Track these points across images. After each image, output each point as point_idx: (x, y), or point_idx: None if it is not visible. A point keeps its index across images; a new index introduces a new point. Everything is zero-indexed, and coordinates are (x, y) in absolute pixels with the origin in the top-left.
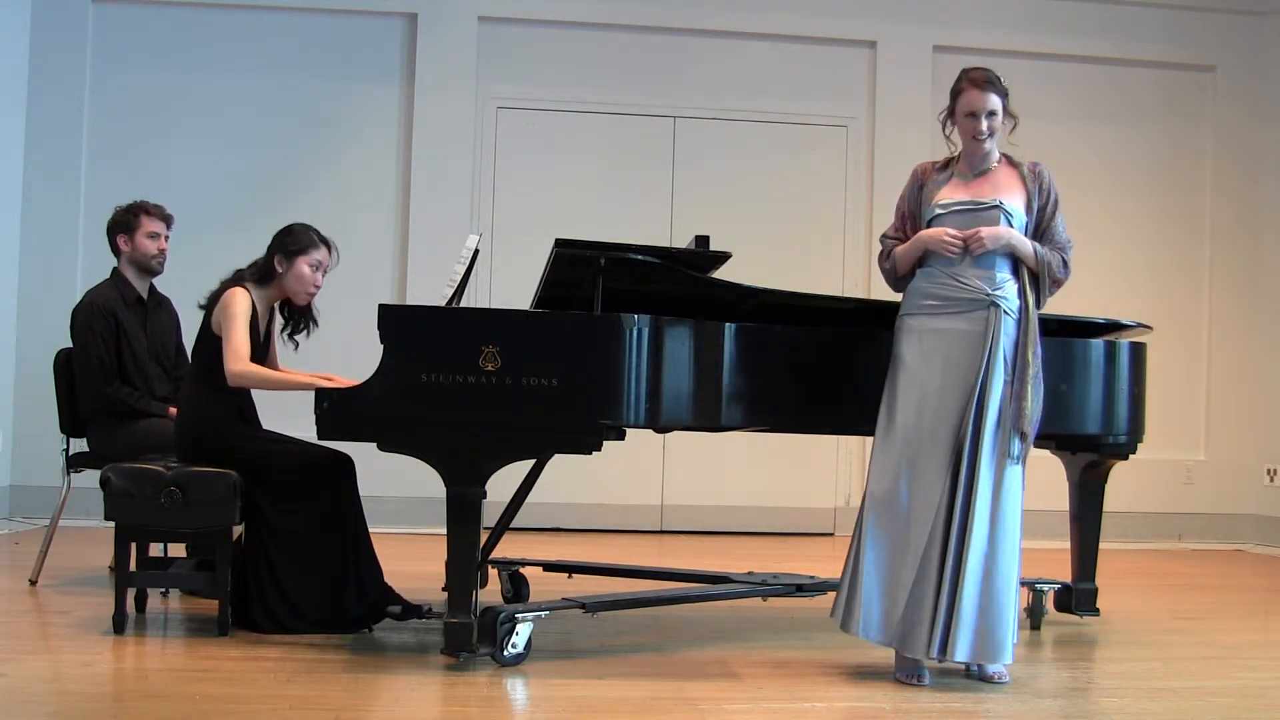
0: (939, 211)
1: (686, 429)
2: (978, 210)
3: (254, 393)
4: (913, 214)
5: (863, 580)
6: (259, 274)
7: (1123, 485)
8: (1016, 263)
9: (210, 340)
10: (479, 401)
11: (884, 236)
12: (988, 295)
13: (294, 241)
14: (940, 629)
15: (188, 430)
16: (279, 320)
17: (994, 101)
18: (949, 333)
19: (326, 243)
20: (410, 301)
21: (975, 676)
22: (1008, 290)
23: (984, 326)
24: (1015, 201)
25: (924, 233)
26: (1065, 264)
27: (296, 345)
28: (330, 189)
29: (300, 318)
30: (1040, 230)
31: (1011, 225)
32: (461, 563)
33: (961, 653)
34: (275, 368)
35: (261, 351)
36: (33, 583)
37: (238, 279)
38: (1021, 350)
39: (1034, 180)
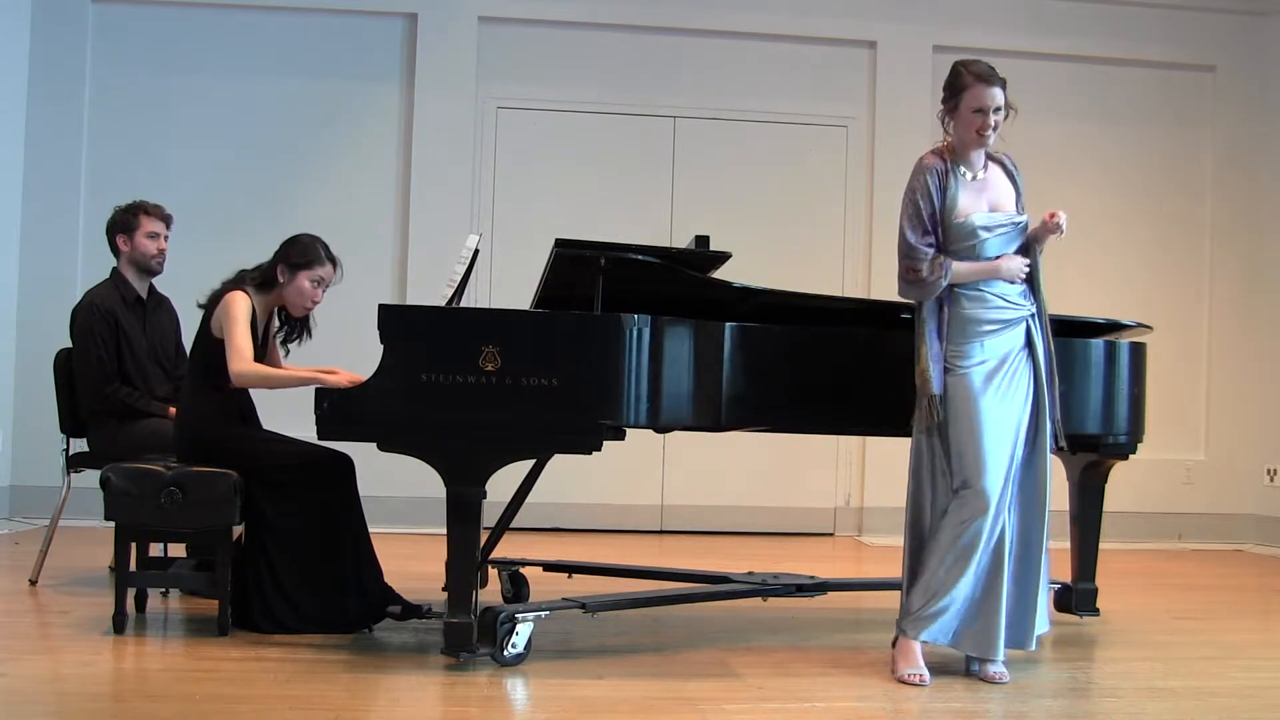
0: (983, 235)
1: (686, 429)
2: (1015, 228)
3: (253, 392)
4: (941, 215)
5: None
6: (261, 279)
7: (1123, 485)
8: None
9: (209, 341)
10: (479, 401)
11: (921, 247)
12: (1030, 308)
13: (299, 254)
14: (1031, 623)
15: (187, 430)
16: (276, 324)
17: (1000, 96)
18: (1007, 352)
19: (333, 259)
20: (410, 301)
21: (976, 676)
22: (1030, 299)
23: (1026, 338)
24: (1014, 207)
25: (1003, 265)
26: None
27: (287, 351)
28: (330, 189)
29: (296, 326)
30: None
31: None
32: (461, 563)
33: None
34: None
35: (259, 354)
36: (33, 583)
37: (239, 281)
38: (1047, 347)
39: (1019, 176)
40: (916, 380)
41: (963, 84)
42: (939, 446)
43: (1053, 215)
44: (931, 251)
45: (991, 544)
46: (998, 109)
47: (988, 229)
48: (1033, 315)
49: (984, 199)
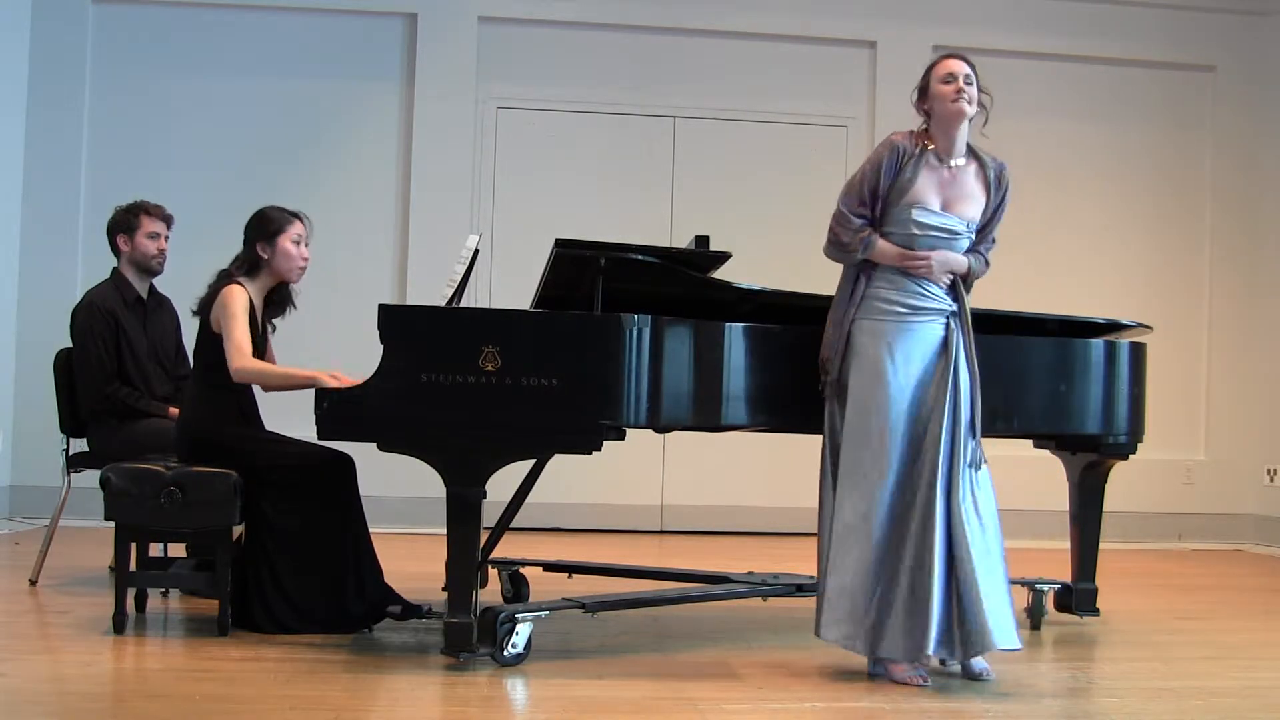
0: (915, 231)
1: (686, 429)
2: (951, 238)
3: (255, 393)
4: (884, 194)
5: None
6: (246, 265)
7: (1123, 485)
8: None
9: (210, 340)
10: (479, 401)
11: (849, 214)
12: (950, 305)
13: (269, 223)
14: (961, 631)
15: (188, 430)
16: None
17: (967, 68)
18: (919, 342)
19: (298, 215)
20: (410, 301)
21: (965, 675)
22: (953, 300)
23: (945, 334)
24: (976, 212)
25: (911, 262)
26: (987, 263)
27: (274, 328)
28: (330, 189)
29: (279, 302)
30: (983, 228)
31: (989, 225)
32: (461, 563)
33: (980, 647)
34: (272, 361)
35: (260, 346)
36: (33, 583)
37: (226, 277)
38: (970, 355)
39: (997, 189)
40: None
41: (930, 66)
42: (841, 428)
43: (916, 264)
44: (860, 222)
45: (900, 535)
46: (968, 77)
47: (920, 226)
48: (953, 314)
49: (941, 195)
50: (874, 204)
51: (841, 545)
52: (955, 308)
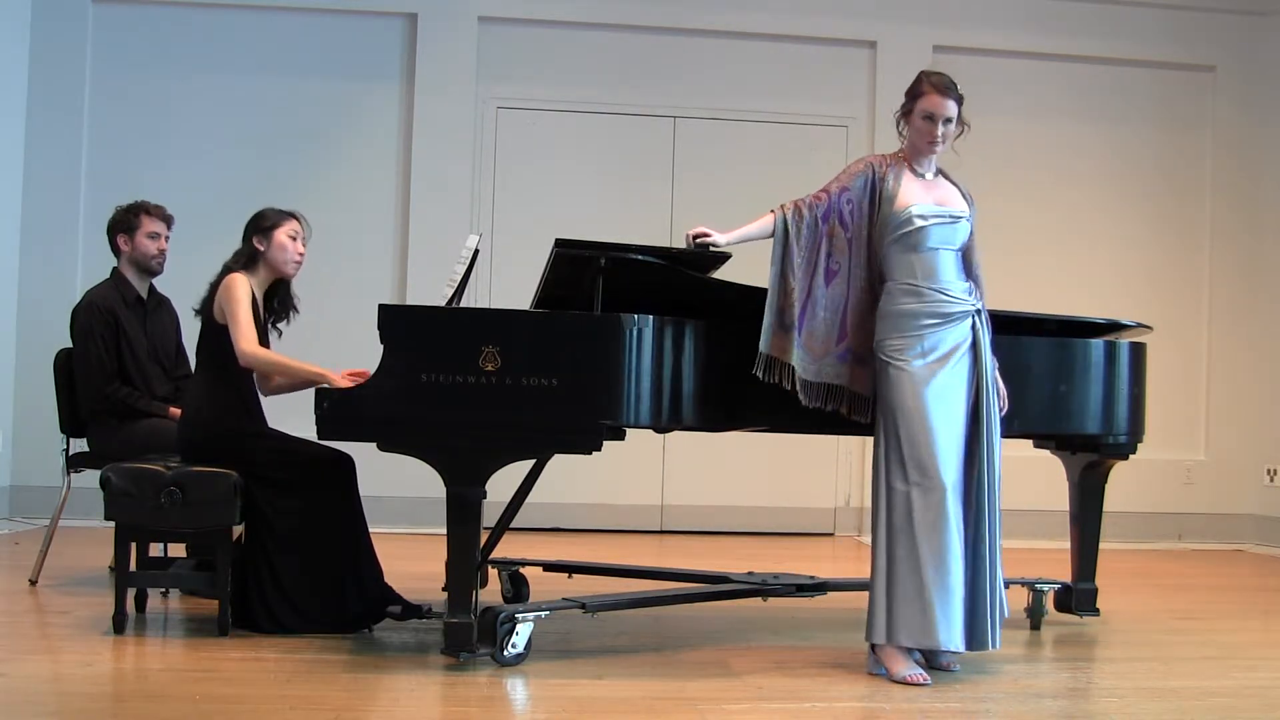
0: (919, 223)
1: (686, 429)
2: (954, 222)
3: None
4: (858, 202)
5: (935, 590)
6: (244, 260)
7: (1123, 485)
8: (968, 269)
9: (213, 331)
10: (479, 401)
11: (815, 192)
12: (973, 305)
13: (265, 219)
14: (994, 621)
15: (191, 425)
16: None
17: (952, 109)
18: (949, 346)
19: (294, 214)
20: (410, 301)
21: (939, 668)
22: (976, 297)
23: (971, 333)
24: (963, 208)
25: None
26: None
27: (280, 333)
28: (330, 189)
29: (281, 306)
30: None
31: (971, 235)
32: (461, 563)
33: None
34: None
35: (262, 340)
36: (33, 583)
37: (226, 271)
38: (991, 351)
39: (971, 204)
40: None
41: (919, 90)
42: (892, 442)
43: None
44: (795, 202)
45: (962, 534)
46: (948, 120)
47: (923, 217)
48: (978, 312)
49: (929, 195)
50: (826, 195)
51: (904, 548)
52: (979, 306)
